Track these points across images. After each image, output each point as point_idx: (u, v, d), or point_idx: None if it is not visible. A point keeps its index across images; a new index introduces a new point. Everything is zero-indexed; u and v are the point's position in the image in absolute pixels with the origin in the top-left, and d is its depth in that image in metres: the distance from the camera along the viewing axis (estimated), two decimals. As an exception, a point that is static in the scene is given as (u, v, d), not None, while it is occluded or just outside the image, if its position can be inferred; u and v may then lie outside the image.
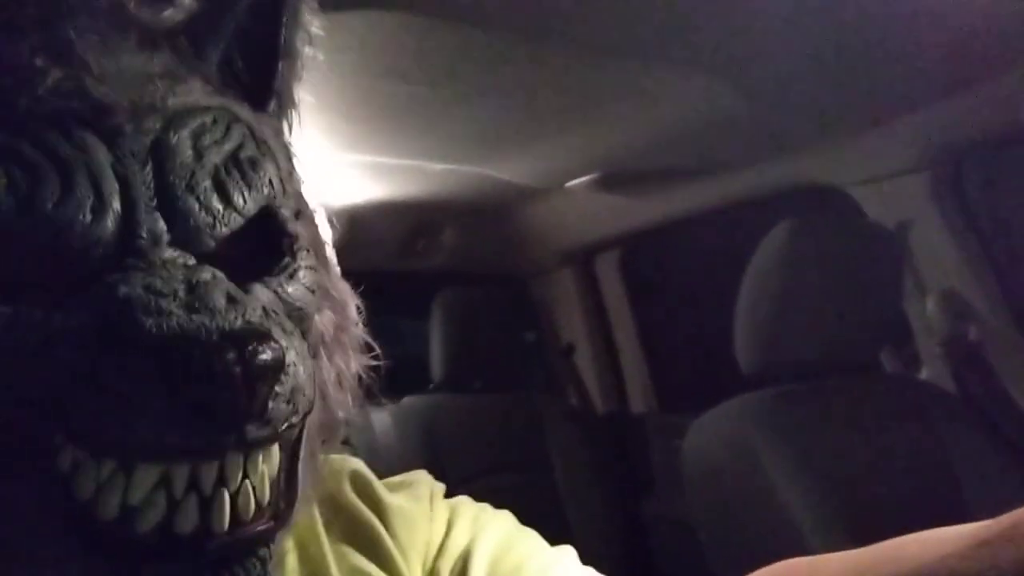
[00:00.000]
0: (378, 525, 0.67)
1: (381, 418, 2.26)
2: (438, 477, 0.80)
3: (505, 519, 0.72)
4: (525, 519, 0.79)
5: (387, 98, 1.41)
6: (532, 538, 0.69)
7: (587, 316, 2.70)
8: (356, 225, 2.14)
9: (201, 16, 0.55)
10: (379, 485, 0.72)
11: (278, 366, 0.43)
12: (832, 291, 1.49)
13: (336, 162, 1.77)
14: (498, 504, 0.79)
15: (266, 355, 0.42)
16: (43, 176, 0.44)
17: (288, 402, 0.45)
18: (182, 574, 0.44)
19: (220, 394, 0.41)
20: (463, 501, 0.74)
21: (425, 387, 2.45)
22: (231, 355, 0.41)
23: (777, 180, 1.88)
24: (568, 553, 0.69)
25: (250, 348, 0.42)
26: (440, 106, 1.48)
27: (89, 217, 0.44)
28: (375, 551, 0.65)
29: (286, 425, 0.45)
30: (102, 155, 0.45)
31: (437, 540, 0.68)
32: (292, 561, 0.62)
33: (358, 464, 0.73)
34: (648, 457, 2.47)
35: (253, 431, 0.43)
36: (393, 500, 0.70)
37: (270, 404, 0.43)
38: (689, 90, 1.46)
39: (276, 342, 0.43)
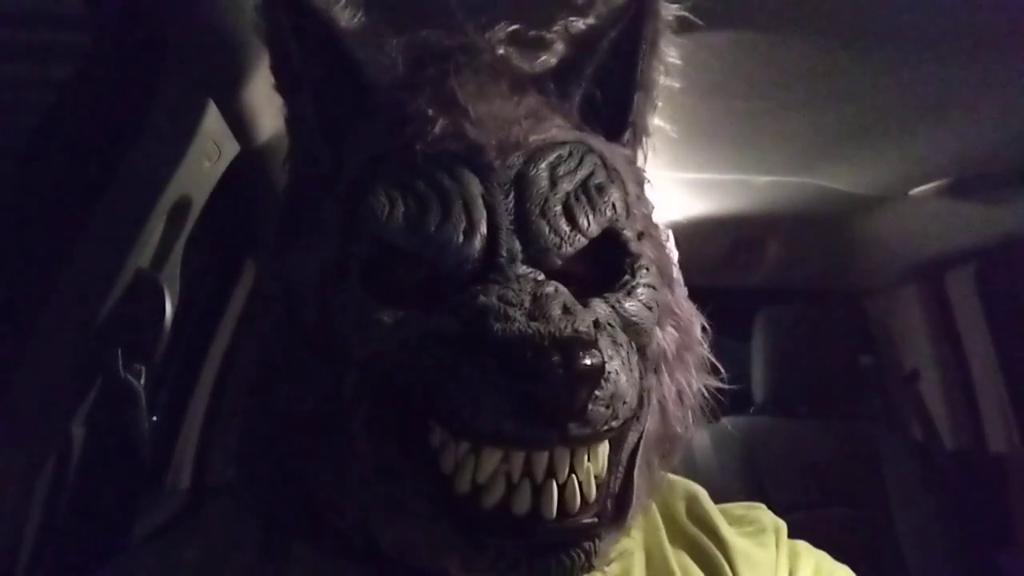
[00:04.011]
0: (722, 561, 0.68)
1: (700, 438, 2.22)
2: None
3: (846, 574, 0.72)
4: (858, 561, 0.75)
5: (708, 114, 1.40)
6: None
7: (935, 339, 2.43)
8: (675, 242, 2.13)
9: (567, 59, 0.64)
10: (719, 517, 0.72)
11: (597, 372, 0.48)
12: None
13: (656, 180, 1.79)
14: (827, 541, 0.76)
15: (587, 361, 0.47)
16: (429, 205, 0.54)
17: (607, 407, 0.49)
18: (516, 550, 0.51)
19: (545, 391, 0.47)
20: (803, 548, 0.73)
21: (745, 409, 2.37)
22: (556, 358, 0.47)
23: None
24: None
25: (573, 353, 0.47)
26: (764, 118, 1.44)
27: (461, 239, 0.54)
28: None
29: (605, 427, 0.50)
30: (475, 187, 0.55)
31: None
32: (639, 565, 0.67)
33: (697, 490, 0.74)
34: (1007, 503, 2.16)
35: (574, 429, 0.48)
36: (739, 542, 0.71)
37: (590, 406, 0.48)
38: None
39: (598, 350, 0.49)
